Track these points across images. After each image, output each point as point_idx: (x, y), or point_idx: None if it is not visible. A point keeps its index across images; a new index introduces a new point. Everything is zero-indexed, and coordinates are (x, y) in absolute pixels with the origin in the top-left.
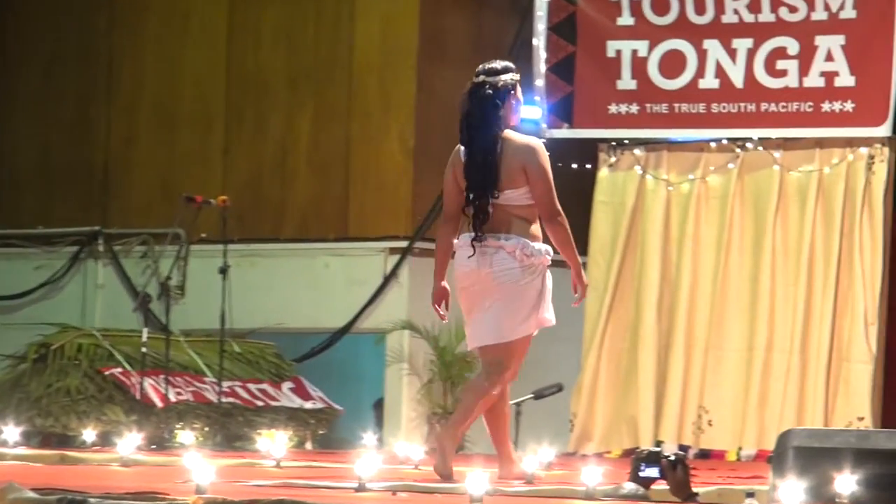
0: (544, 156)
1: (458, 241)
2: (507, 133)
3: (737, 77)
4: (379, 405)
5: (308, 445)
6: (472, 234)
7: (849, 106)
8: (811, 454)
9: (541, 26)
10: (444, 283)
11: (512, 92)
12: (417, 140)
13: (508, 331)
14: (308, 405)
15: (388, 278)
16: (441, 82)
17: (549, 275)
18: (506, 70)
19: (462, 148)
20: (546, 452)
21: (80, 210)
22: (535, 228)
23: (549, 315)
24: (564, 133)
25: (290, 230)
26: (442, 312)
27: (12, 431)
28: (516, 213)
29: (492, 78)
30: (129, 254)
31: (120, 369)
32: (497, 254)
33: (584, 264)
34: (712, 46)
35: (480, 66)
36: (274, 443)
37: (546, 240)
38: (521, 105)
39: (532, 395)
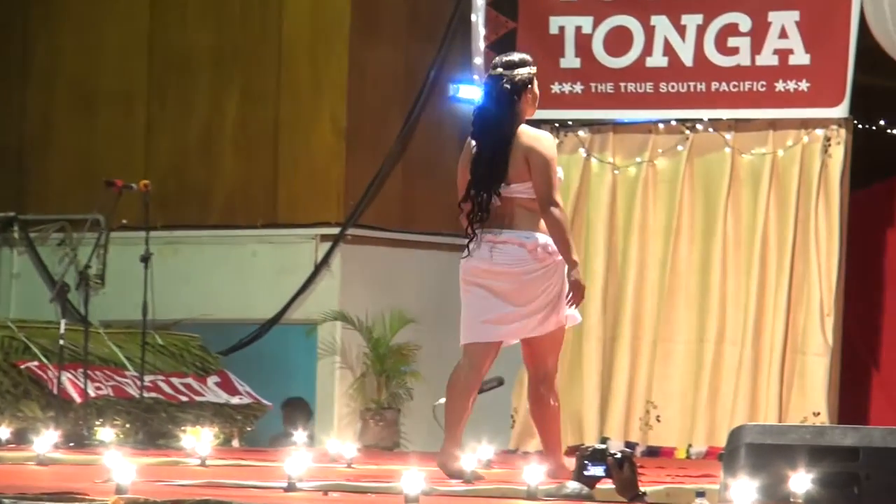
0: (550, 147)
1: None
2: (521, 127)
3: (686, 55)
4: (288, 405)
5: (235, 443)
6: (480, 230)
7: (804, 85)
8: (764, 451)
9: (479, 1)
10: None
11: (529, 86)
12: (350, 121)
13: (542, 328)
14: (235, 400)
15: (319, 267)
16: (375, 61)
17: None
18: (523, 63)
19: (472, 141)
20: (486, 450)
21: None
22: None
23: (571, 312)
24: None
25: (215, 216)
26: None
27: None
28: (524, 206)
29: (509, 71)
30: (46, 241)
31: (36, 363)
32: (516, 251)
33: None
34: (660, 23)
35: (497, 59)
36: (199, 440)
37: None
38: (538, 99)
39: None
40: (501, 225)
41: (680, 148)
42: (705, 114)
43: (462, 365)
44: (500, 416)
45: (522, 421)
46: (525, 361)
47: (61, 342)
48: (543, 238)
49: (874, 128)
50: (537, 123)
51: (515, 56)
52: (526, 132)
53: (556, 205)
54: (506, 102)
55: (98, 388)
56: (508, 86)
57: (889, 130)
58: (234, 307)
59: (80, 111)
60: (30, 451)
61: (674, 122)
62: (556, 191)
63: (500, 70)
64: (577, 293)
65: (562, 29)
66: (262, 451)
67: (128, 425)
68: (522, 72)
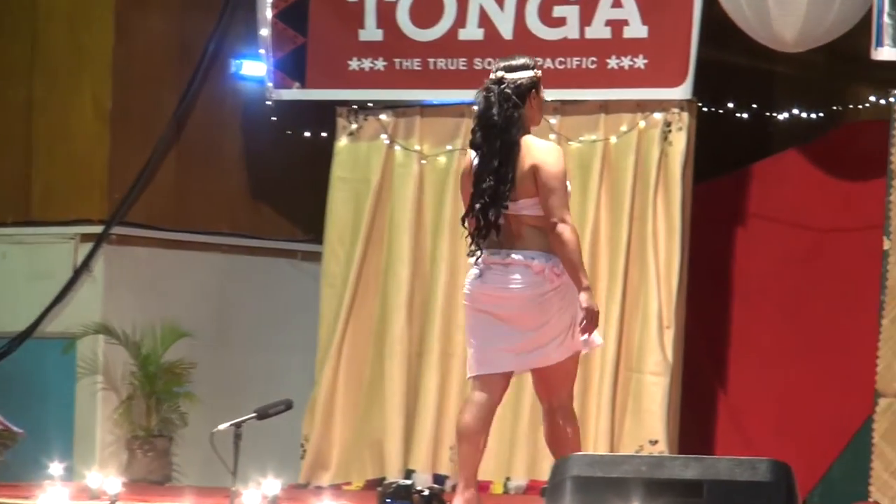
0: (560, 161)
1: (475, 258)
2: (527, 138)
3: (505, 27)
4: None
5: None
6: (477, 251)
7: (640, 62)
8: (593, 485)
9: None
10: None
11: (533, 91)
12: (116, 102)
13: (557, 355)
14: None
15: (79, 271)
16: (145, 32)
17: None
18: (525, 66)
19: (472, 152)
20: (271, 484)
21: None
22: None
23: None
24: (295, 94)
25: None
26: None
27: None
28: (533, 224)
29: (511, 75)
30: None
31: None
32: (523, 273)
33: (320, 254)
34: None
35: (497, 62)
36: None
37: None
38: (544, 104)
39: (255, 415)
40: (510, 246)
41: None
42: None
43: (472, 402)
44: (289, 446)
45: (314, 451)
46: (537, 392)
47: None
48: (551, 258)
49: (721, 111)
50: (331, 106)
51: (518, 59)
52: (533, 144)
53: (565, 222)
54: (508, 109)
55: None
56: (509, 90)
57: (738, 114)
58: None
59: None
60: None
61: None
62: (566, 208)
63: (500, 74)
64: (592, 320)
65: None
66: (12, 486)
67: None
68: (525, 75)
